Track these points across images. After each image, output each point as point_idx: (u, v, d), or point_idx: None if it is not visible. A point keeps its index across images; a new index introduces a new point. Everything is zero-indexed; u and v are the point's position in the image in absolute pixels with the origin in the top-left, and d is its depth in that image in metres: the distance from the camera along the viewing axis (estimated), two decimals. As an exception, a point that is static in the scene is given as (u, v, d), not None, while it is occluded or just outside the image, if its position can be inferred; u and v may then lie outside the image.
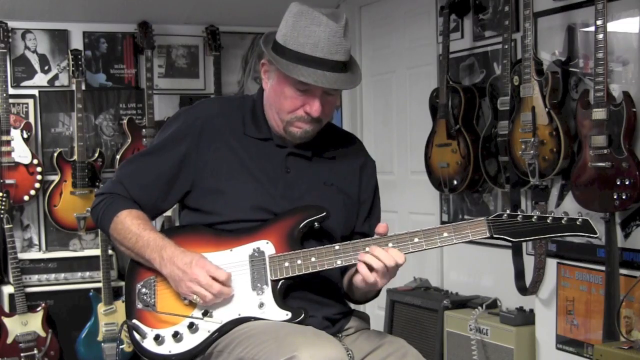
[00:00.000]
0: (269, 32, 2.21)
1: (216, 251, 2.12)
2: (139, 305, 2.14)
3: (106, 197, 2.24)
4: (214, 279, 2.05)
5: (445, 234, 2.05)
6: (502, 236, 2.04)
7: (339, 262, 2.07)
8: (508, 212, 2.04)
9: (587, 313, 3.46)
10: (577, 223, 2.03)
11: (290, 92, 2.13)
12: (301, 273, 2.08)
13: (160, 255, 2.10)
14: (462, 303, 4.07)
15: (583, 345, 3.48)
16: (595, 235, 2.03)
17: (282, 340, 1.92)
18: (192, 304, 2.10)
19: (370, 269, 2.01)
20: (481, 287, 4.20)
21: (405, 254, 2.04)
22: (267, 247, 2.12)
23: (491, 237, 2.04)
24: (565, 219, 2.03)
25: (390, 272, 2.02)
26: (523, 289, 3.67)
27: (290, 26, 2.11)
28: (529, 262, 3.67)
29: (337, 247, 2.08)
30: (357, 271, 2.06)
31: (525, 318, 3.72)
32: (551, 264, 3.63)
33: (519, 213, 2.04)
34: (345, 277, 2.25)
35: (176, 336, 2.07)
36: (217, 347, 2.06)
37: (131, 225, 2.16)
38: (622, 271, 3.23)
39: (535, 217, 2.03)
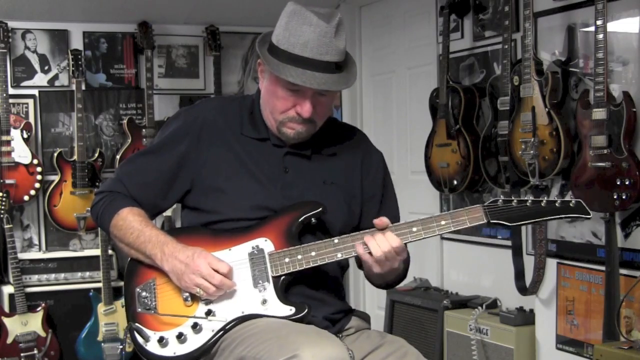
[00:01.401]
0: (266, 32, 2.22)
1: (215, 251, 2.12)
2: (140, 309, 2.13)
3: (106, 195, 2.24)
4: (216, 271, 2.05)
5: (442, 222, 2.07)
6: (499, 221, 2.05)
7: (339, 255, 2.08)
8: (502, 197, 2.07)
9: (587, 313, 3.46)
10: (571, 205, 2.06)
11: (281, 93, 2.13)
12: (302, 268, 2.09)
13: (162, 250, 2.11)
14: (462, 303, 4.07)
15: (583, 345, 3.48)
16: (589, 217, 2.08)
17: (284, 339, 1.92)
18: (194, 304, 2.10)
19: (368, 252, 2.04)
20: (481, 287, 4.20)
21: (406, 243, 2.07)
22: (265, 244, 2.12)
23: (488, 223, 2.06)
24: (559, 201, 2.06)
25: (388, 258, 2.03)
26: (523, 289, 3.67)
27: (283, 26, 2.12)
28: (529, 262, 3.67)
29: (336, 241, 2.09)
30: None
31: (525, 318, 3.72)
32: (551, 264, 3.63)
33: (513, 198, 2.06)
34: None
35: (180, 337, 2.07)
36: (220, 345, 2.06)
37: (133, 221, 2.17)
38: (622, 271, 3.23)
39: (529, 201, 2.05)
